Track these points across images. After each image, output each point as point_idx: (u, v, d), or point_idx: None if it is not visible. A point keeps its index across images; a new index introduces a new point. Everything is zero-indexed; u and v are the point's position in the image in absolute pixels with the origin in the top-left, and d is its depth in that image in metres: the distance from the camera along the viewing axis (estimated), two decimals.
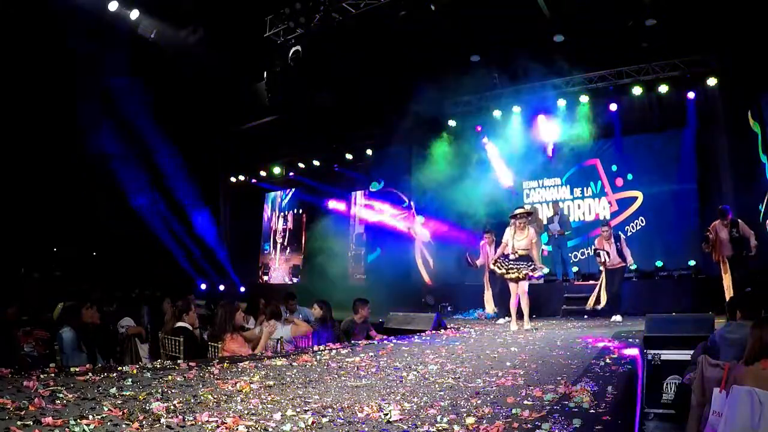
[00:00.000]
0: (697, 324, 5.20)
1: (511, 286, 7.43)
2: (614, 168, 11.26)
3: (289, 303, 7.68)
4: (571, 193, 11.66)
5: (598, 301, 8.49)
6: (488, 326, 8.12)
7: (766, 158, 8.98)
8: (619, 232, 9.13)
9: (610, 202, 11.22)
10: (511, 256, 7.38)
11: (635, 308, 8.80)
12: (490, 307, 9.45)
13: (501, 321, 8.76)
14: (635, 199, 10.98)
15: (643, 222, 10.81)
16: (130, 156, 13.27)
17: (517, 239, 7.39)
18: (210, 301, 10.19)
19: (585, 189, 11.53)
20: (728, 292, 7.65)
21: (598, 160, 11.41)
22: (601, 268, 8.53)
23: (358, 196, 15.02)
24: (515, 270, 7.33)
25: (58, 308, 6.11)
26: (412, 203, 13.32)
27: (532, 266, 7.34)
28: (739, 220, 7.91)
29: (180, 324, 5.22)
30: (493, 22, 9.65)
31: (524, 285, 7.36)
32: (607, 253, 8.36)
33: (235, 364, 3.95)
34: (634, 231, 10.84)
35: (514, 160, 11.99)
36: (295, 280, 15.58)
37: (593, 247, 8.78)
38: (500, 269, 7.48)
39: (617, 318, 8.16)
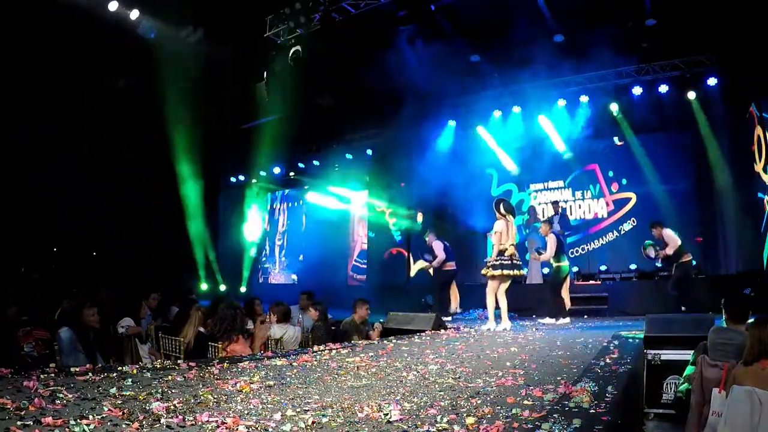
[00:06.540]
0: (697, 324, 5.19)
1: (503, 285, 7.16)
2: (613, 169, 11.32)
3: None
4: (573, 195, 11.76)
5: None
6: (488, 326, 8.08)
7: None
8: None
9: (607, 203, 11.29)
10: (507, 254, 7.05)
11: (635, 308, 8.79)
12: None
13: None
14: (629, 200, 11.08)
15: (636, 222, 10.82)
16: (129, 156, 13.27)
17: (511, 235, 7.12)
18: (213, 303, 10.17)
19: (585, 191, 11.62)
20: None
21: (597, 165, 11.48)
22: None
23: (359, 196, 15.01)
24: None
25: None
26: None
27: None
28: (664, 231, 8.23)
29: (200, 329, 5.20)
30: (493, 22, 9.65)
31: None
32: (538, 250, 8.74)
33: (235, 364, 3.94)
34: (629, 230, 10.87)
35: (513, 161, 12.00)
36: (294, 280, 15.56)
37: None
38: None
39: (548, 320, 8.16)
